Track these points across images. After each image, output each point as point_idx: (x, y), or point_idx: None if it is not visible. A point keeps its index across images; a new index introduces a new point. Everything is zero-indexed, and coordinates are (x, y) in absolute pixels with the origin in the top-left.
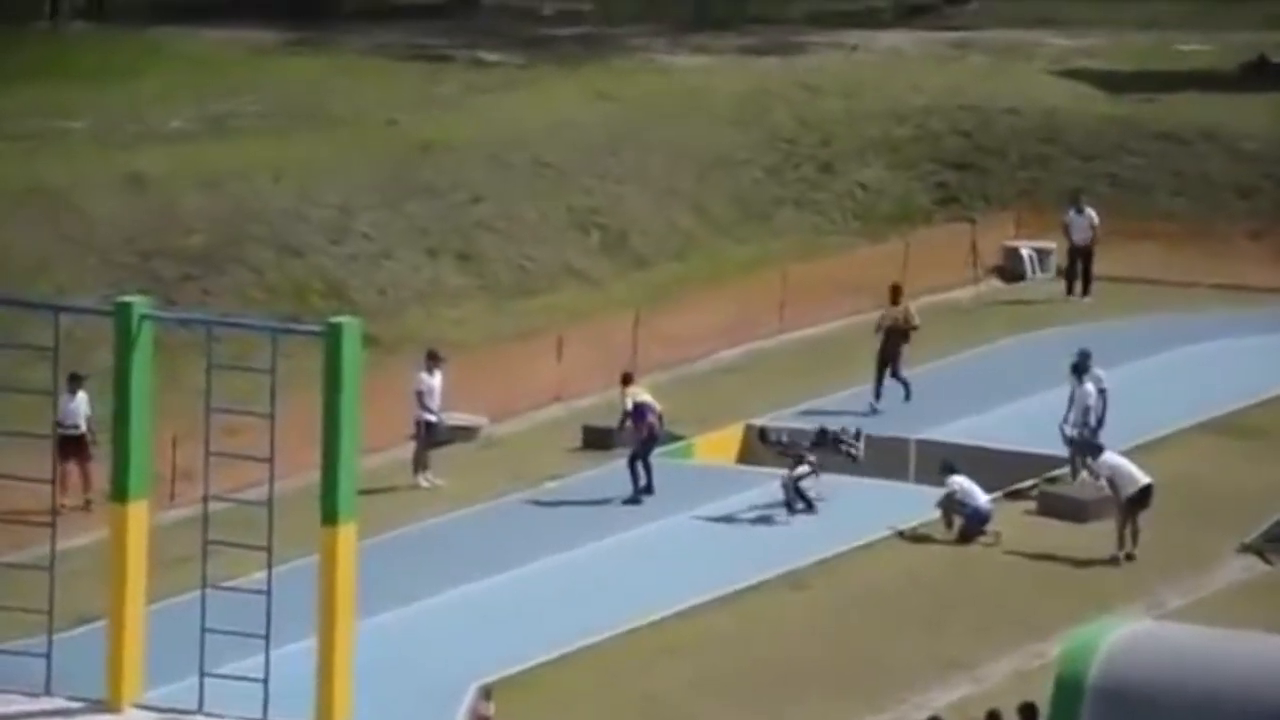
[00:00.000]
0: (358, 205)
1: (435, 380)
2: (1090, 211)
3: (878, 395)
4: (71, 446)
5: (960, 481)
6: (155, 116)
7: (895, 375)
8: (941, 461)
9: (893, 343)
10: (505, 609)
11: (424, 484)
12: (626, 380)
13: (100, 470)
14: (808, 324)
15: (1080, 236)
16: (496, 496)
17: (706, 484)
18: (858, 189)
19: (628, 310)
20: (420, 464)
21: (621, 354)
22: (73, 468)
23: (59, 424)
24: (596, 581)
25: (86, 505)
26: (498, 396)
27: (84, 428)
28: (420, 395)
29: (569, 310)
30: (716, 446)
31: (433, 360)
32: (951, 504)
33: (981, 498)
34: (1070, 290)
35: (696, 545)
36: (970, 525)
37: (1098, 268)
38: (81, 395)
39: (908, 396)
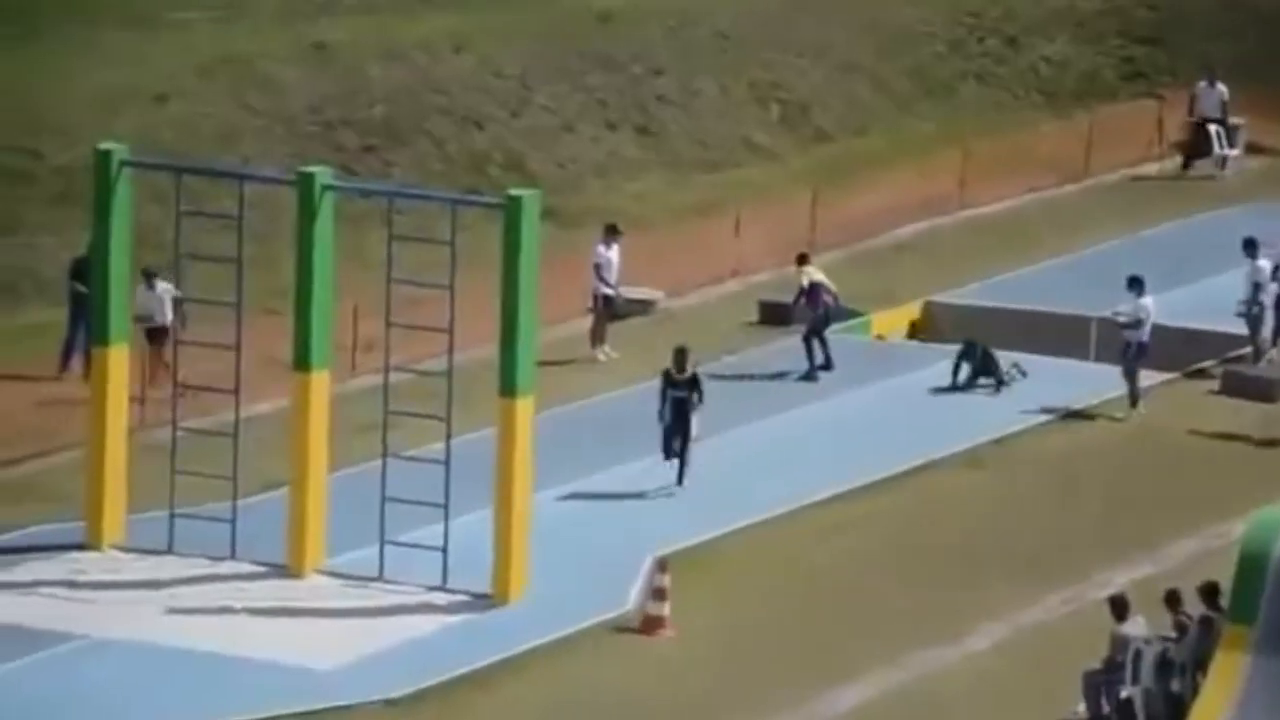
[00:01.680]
0: (537, 78)
1: (613, 254)
2: (1222, 86)
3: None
4: (154, 337)
5: (1149, 304)
6: None
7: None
8: (1132, 277)
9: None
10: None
11: (601, 357)
12: (802, 260)
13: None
14: (988, 201)
15: (1209, 109)
16: None
17: (883, 360)
18: (1042, 63)
19: (806, 186)
20: (597, 337)
21: (799, 230)
22: (156, 358)
23: (138, 317)
24: (772, 456)
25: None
26: (675, 271)
27: (166, 319)
28: (598, 268)
29: (748, 185)
30: (894, 323)
31: (611, 234)
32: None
33: (1149, 330)
34: (1186, 165)
35: (872, 421)
36: (1132, 357)
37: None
38: (162, 285)
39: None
